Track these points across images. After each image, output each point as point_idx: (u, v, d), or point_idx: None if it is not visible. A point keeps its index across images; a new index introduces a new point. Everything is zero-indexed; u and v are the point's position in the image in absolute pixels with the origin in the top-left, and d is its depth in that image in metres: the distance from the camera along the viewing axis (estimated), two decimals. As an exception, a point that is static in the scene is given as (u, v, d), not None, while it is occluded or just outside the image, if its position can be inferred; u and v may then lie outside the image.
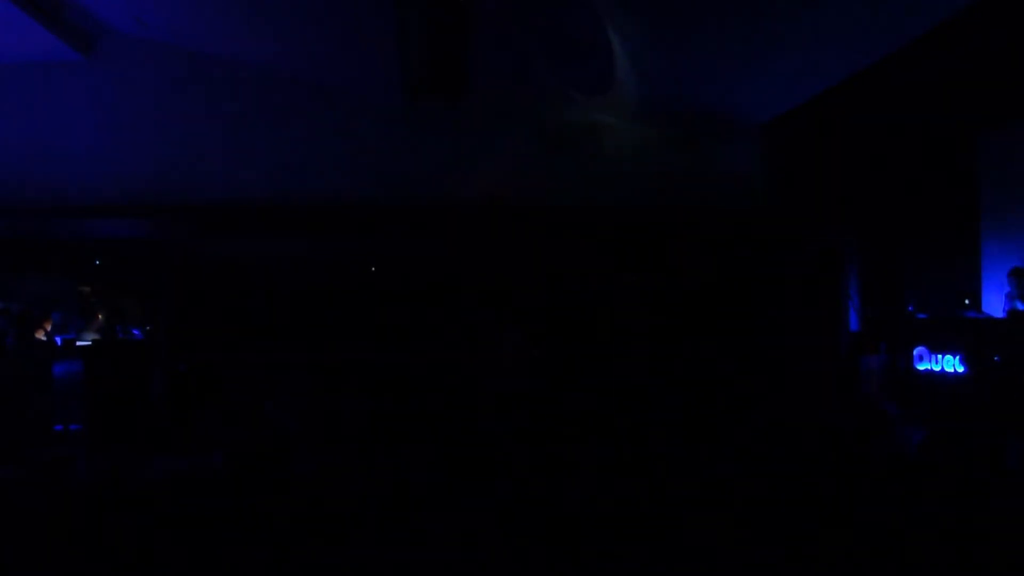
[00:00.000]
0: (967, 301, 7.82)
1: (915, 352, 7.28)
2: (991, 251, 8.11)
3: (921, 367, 7.24)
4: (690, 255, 9.13)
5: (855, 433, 6.86)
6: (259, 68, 8.52)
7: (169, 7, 7.65)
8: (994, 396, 6.39)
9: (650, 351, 8.81)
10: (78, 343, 8.37)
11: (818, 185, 8.77)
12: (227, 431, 7.36)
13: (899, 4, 5.99)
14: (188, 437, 7.17)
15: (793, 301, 8.72)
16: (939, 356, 7.12)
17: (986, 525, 4.44)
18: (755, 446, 6.53)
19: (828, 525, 4.57)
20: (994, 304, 7.53)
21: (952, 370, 6.99)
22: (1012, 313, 6.93)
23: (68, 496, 5.48)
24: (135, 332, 9.34)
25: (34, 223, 8.59)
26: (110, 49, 8.37)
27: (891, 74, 7.00)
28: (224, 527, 4.69)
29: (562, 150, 8.93)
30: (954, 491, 5.06)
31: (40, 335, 7.53)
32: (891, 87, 7.33)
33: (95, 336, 8.78)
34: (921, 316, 7.57)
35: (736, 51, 7.10)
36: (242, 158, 8.64)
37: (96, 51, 8.34)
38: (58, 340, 7.99)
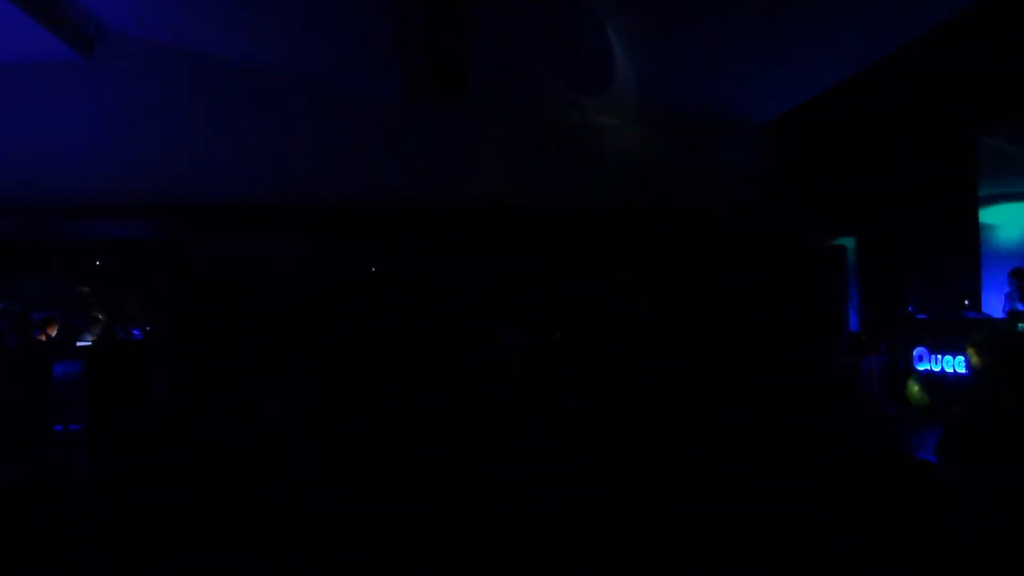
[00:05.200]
0: (967, 301, 7.81)
1: (915, 352, 7.28)
2: (991, 251, 8.11)
3: (921, 367, 7.25)
4: (690, 255, 9.13)
5: (855, 433, 6.86)
6: (259, 68, 8.53)
7: (169, 7, 7.65)
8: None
9: (650, 351, 8.80)
10: (78, 343, 8.37)
11: (818, 185, 8.77)
12: (227, 431, 7.37)
13: (899, 5, 6.00)
14: (188, 437, 7.17)
15: (793, 301, 8.71)
16: (939, 356, 7.12)
17: (987, 526, 4.44)
18: (755, 446, 6.53)
19: (828, 525, 4.57)
20: (994, 304, 7.53)
21: (952, 370, 6.99)
22: (1012, 313, 6.93)
23: (68, 496, 5.48)
24: (135, 332, 9.34)
25: (34, 223, 8.59)
26: (110, 50, 8.36)
27: (891, 75, 7.01)
28: (224, 527, 4.69)
29: (562, 150, 8.93)
30: (957, 492, 5.06)
31: (43, 338, 7.52)
32: (891, 87, 7.33)
33: (95, 336, 8.79)
34: (921, 316, 7.56)
35: (736, 52, 7.10)
36: (242, 158, 8.64)
37: (96, 52, 8.34)
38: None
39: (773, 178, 9.00)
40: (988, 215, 8.15)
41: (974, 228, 8.22)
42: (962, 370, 6.90)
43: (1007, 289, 7.09)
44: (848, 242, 9.26)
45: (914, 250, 8.66)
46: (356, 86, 8.64)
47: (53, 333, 7.59)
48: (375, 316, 9.41)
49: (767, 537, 4.45)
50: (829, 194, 8.76)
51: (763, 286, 8.85)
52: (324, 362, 8.78)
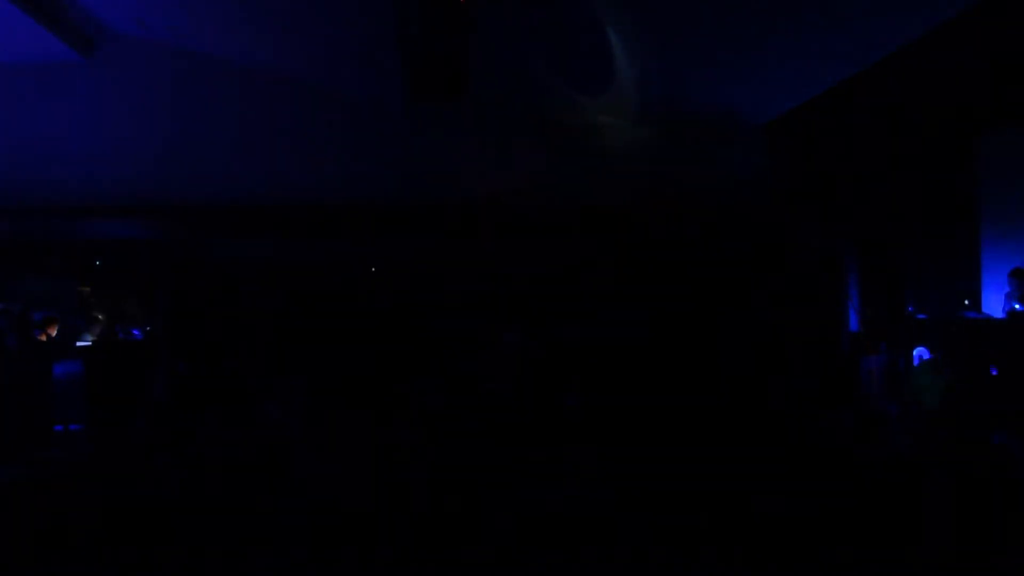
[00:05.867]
0: (967, 301, 7.81)
1: (915, 352, 7.28)
2: (991, 251, 8.10)
3: (921, 367, 7.24)
4: (690, 255, 9.13)
5: (855, 433, 6.87)
6: (259, 68, 8.53)
7: (169, 8, 7.65)
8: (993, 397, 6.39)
9: (650, 351, 8.81)
10: (78, 343, 8.36)
11: (818, 185, 8.77)
12: (227, 431, 7.37)
13: (899, 5, 6.00)
14: (188, 437, 7.18)
15: (793, 301, 8.72)
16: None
17: (987, 525, 4.45)
18: (755, 445, 6.53)
19: (829, 524, 4.57)
20: (994, 304, 7.53)
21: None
22: (1012, 313, 6.93)
23: (68, 496, 5.48)
24: (135, 332, 9.34)
25: (34, 223, 8.59)
26: (111, 50, 8.36)
27: (891, 74, 7.01)
28: (224, 527, 4.69)
29: (562, 150, 8.93)
30: (955, 491, 5.07)
31: (43, 338, 7.52)
32: (891, 87, 7.33)
33: (95, 336, 8.79)
34: (921, 316, 7.56)
35: (736, 52, 7.10)
36: (242, 158, 8.64)
37: (97, 52, 8.34)
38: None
39: (773, 178, 9.00)
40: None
41: (974, 228, 8.22)
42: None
43: (1007, 289, 7.09)
44: (848, 242, 9.26)
45: (914, 250, 8.67)
46: (356, 86, 8.64)
47: (53, 333, 7.59)
48: (375, 316, 9.41)
49: (767, 536, 4.45)
50: (829, 194, 8.76)
51: (763, 286, 8.85)
52: (324, 362, 8.79)
